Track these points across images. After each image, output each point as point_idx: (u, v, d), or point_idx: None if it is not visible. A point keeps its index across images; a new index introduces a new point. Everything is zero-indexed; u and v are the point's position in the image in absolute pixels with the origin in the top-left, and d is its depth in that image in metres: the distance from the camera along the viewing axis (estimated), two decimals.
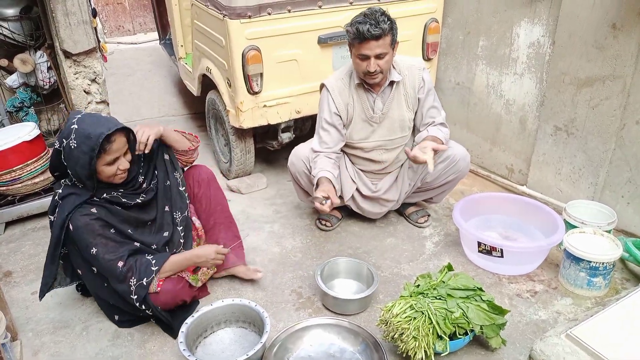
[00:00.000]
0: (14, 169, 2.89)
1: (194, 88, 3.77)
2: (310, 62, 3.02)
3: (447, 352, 1.88)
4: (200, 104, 3.81)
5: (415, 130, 2.66)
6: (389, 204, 2.76)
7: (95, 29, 2.87)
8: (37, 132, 3.00)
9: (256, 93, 2.92)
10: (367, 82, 2.45)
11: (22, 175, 2.93)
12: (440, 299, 1.97)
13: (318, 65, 3.06)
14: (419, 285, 2.07)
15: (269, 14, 2.81)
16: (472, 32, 3.34)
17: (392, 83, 2.50)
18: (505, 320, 1.96)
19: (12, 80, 3.52)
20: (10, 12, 3.24)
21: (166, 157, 2.26)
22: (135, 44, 6.62)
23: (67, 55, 2.77)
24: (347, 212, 2.88)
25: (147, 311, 2.07)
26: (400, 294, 2.09)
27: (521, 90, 3.08)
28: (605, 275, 2.25)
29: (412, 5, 3.23)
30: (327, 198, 2.26)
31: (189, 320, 2.06)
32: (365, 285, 2.35)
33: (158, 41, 5.45)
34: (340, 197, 2.66)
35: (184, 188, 2.29)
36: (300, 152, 2.64)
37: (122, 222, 2.07)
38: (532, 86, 3.00)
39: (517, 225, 2.72)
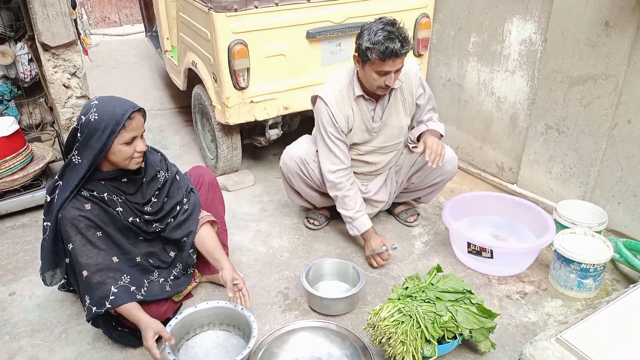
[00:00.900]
0: None
1: (180, 82, 3.69)
2: (298, 57, 2.95)
3: (435, 357, 1.84)
4: (187, 97, 3.73)
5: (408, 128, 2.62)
6: (379, 205, 2.71)
7: (75, 20, 2.77)
8: (15, 127, 2.90)
9: (243, 88, 2.85)
10: (376, 94, 2.37)
11: (1, 171, 2.84)
12: (428, 302, 1.93)
13: (306, 61, 3.00)
14: (407, 287, 2.02)
15: (256, 7, 2.73)
16: (463, 28, 3.30)
17: (390, 90, 2.42)
18: (495, 324, 1.93)
19: None
20: None
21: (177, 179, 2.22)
22: (122, 35, 6.49)
23: (46, 48, 2.68)
24: (335, 212, 2.83)
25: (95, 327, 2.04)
26: (388, 295, 2.05)
27: (512, 87, 3.05)
28: (596, 277, 2.22)
29: (403, 0, 3.17)
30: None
31: (173, 322, 2.00)
32: (352, 286, 2.30)
33: (144, 33, 5.34)
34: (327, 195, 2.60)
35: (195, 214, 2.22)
36: (293, 153, 2.56)
37: (112, 226, 1.98)
38: (524, 84, 2.96)
39: (508, 225, 2.69)
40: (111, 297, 1.90)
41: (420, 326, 1.84)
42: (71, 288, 2.15)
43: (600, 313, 1.98)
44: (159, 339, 1.88)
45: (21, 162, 2.93)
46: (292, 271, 2.50)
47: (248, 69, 2.82)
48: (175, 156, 3.75)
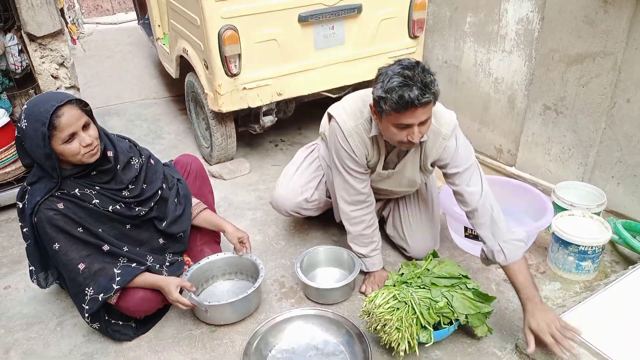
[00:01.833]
0: None
1: (172, 70, 3.64)
2: (290, 41, 2.90)
3: (431, 343, 1.82)
4: (181, 86, 3.68)
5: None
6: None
7: (62, 10, 2.72)
8: (6, 119, 2.88)
9: (234, 75, 2.80)
10: (399, 147, 1.98)
11: None
12: (424, 288, 1.91)
13: (299, 45, 2.94)
14: (402, 274, 2.00)
15: None
16: (459, 8, 3.23)
17: None
18: (492, 309, 1.91)
19: None
20: None
21: (165, 170, 2.18)
22: (115, 24, 6.42)
23: (32, 38, 2.63)
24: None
25: (92, 325, 2.00)
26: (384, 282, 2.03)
27: (510, 68, 2.99)
28: (594, 259, 2.20)
29: None
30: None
31: (183, 277, 2.13)
32: (347, 272, 2.29)
33: (137, 21, 5.27)
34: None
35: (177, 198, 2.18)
36: (284, 203, 2.38)
37: (93, 220, 1.91)
38: (521, 64, 2.91)
39: (505, 208, 2.63)
40: (117, 278, 1.88)
41: (415, 312, 1.82)
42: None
43: (598, 296, 1.97)
44: (181, 291, 1.95)
45: (13, 155, 2.90)
46: (288, 259, 2.48)
47: (239, 55, 2.77)
48: (170, 145, 3.72)
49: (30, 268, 2.04)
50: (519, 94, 2.98)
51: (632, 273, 2.06)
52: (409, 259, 2.40)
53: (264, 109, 3.07)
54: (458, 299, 1.87)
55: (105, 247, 1.92)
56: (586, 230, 2.22)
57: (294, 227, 2.72)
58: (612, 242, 2.41)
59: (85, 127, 1.80)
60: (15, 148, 2.87)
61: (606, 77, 2.42)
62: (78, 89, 2.95)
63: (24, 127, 1.74)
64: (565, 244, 2.19)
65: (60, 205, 1.84)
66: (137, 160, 2.05)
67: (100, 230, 1.94)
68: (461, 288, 1.92)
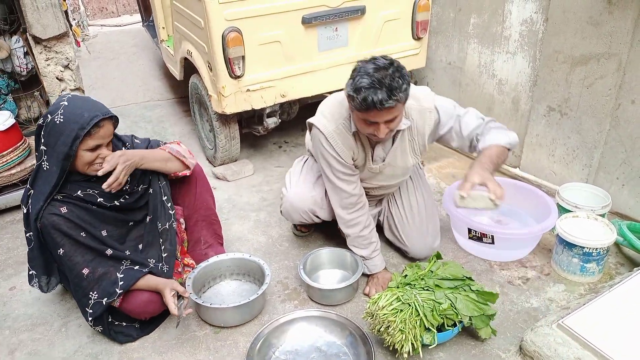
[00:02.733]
0: None
1: (177, 72, 3.65)
2: (294, 43, 2.90)
3: (435, 345, 1.82)
4: (185, 88, 3.69)
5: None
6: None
7: (66, 12, 2.73)
8: (12, 121, 2.89)
9: (238, 77, 2.81)
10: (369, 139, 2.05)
11: None
12: (428, 289, 1.91)
13: (303, 47, 2.95)
14: (406, 275, 2.00)
15: None
16: (463, 9, 3.22)
17: (397, 131, 2.04)
18: (495, 311, 1.90)
19: None
20: None
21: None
22: (120, 26, 6.45)
23: (37, 40, 2.64)
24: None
25: (95, 328, 2.02)
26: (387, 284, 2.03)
27: (514, 69, 2.98)
28: (599, 261, 2.19)
29: None
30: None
31: (191, 274, 2.17)
32: (350, 273, 2.29)
33: (142, 23, 5.30)
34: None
35: (166, 197, 2.14)
36: (298, 205, 2.30)
37: (97, 222, 1.93)
38: (525, 65, 2.90)
39: (509, 209, 2.65)
40: (120, 282, 1.90)
41: (419, 314, 1.82)
42: None
43: (602, 298, 1.95)
44: (179, 297, 1.95)
45: (18, 157, 2.92)
46: (291, 260, 2.48)
47: (243, 57, 2.78)
48: None
49: (31, 272, 2.04)
50: (523, 95, 2.97)
51: (637, 275, 2.05)
52: (412, 260, 2.40)
53: (267, 110, 3.08)
54: (462, 300, 1.86)
55: (109, 252, 1.93)
56: (591, 232, 2.21)
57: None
58: (617, 244, 2.40)
59: (108, 144, 1.88)
60: (20, 150, 2.91)
61: (611, 79, 2.41)
62: (83, 91, 2.97)
63: (57, 122, 1.77)
64: (570, 245, 2.18)
65: (64, 209, 1.86)
66: None
67: (104, 232, 1.95)
68: (465, 290, 1.91)
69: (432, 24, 3.47)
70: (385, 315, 1.81)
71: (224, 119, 3.09)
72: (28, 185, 1.89)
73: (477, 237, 2.33)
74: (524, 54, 2.89)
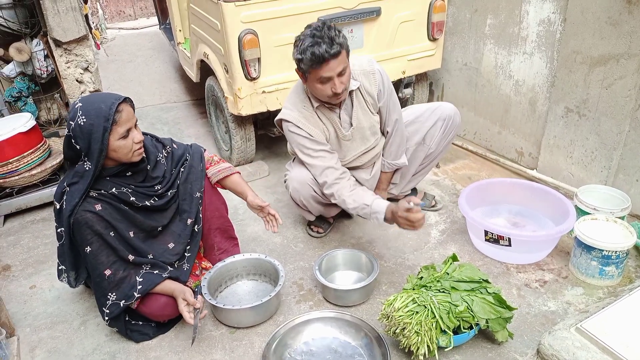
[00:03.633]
0: (11, 161, 2.85)
1: (193, 74, 3.69)
2: None
3: (451, 347, 1.81)
4: (201, 90, 3.73)
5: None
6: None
7: (86, 15, 2.78)
8: (32, 123, 2.94)
9: (254, 79, 2.83)
10: (331, 103, 2.21)
11: (19, 167, 2.89)
12: (443, 292, 1.90)
13: None
14: (422, 277, 1.99)
15: None
16: (479, 10, 3.20)
17: (350, 92, 2.26)
18: (512, 314, 1.88)
19: (9, 69, 3.46)
20: None
21: (194, 165, 2.21)
22: (137, 29, 6.54)
23: (58, 43, 2.69)
24: (338, 215, 2.78)
25: (112, 327, 2.06)
26: (403, 285, 2.02)
27: (531, 70, 2.96)
28: (618, 264, 2.15)
29: None
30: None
31: (207, 275, 2.20)
32: (366, 275, 2.29)
33: (158, 26, 5.36)
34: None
35: (199, 195, 2.19)
36: (302, 177, 2.35)
37: (126, 222, 1.97)
38: (543, 66, 2.87)
39: (526, 211, 2.63)
40: (139, 287, 1.95)
41: (435, 316, 1.81)
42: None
43: (622, 301, 1.93)
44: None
45: (39, 158, 2.97)
46: (306, 262, 2.49)
47: (259, 59, 2.79)
48: None
49: (60, 267, 2.08)
50: (541, 96, 2.94)
51: None
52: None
53: None
54: (478, 303, 1.85)
55: (131, 257, 1.97)
56: (610, 235, 2.18)
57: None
58: (636, 247, 2.36)
59: (135, 125, 1.91)
60: (40, 151, 2.97)
61: (631, 79, 2.37)
62: None
63: (81, 123, 1.80)
64: (588, 248, 2.16)
65: (98, 207, 1.90)
66: (161, 156, 2.11)
67: (131, 232, 1.99)
68: (481, 292, 1.90)
69: (448, 24, 3.46)
70: (401, 317, 1.81)
71: (240, 120, 3.11)
72: (65, 184, 1.92)
73: (494, 239, 2.31)
74: (542, 54, 2.86)
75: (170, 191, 2.11)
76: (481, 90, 3.37)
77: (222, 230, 2.35)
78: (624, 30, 2.34)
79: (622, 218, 2.31)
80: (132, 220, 2.00)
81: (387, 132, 2.45)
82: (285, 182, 2.48)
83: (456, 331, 1.84)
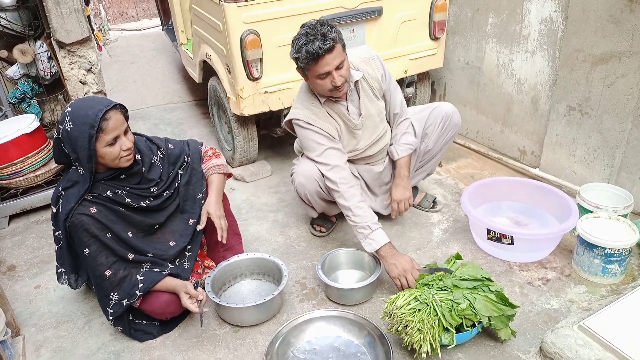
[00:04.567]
0: (15, 162, 2.87)
1: (196, 74, 3.70)
2: None
3: (453, 345, 1.82)
4: (204, 90, 3.74)
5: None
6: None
7: (89, 17, 2.80)
8: (36, 124, 2.96)
9: (256, 79, 2.84)
10: (334, 96, 2.25)
11: (24, 168, 2.91)
12: (446, 290, 1.90)
13: None
14: (424, 275, 2.00)
15: None
16: (481, 9, 3.21)
17: (355, 83, 2.32)
18: (515, 312, 1.89)
19: (13, 71, 3.49)
20: (8, 1, 3.18)
21: (195, 167, 2.22)
22: (140, 30, 6.56)
23: (61, 45, 2.71)
24: (341, 215, 2.78)
25: (116, 327, 2.09)
26: None
27: (533, 68, 2.96)
28: (621, 262, 2.15)
29: None
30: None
31: (211, 273, 2.22)
32: (368, 274, 2.30)
33: (161, 27, 5.38)
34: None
35: (203, 202, 2.20)
36: (308, 172, 2.34)
37: (123, 223, 1.98)
38: (544, 64, 2.87)
39: (529, 210, 2.63)
40: (140, 285, 1.96)
41: (437, 314, 1.81)
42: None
43: (625, 299, 1.93)
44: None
45: (43, 159, 2.99)
46: (309, 261, 2.50)
47: (261, 59, 2.80)
48: None
49: (60, 270, 2.10)
50: (543, 95, 2.94)
51: None
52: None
53: (285, 112, 3.10)
54: (481, 301, 1.85)
55: (130, 256, 1.98)
56: (612, 233, 2.18)
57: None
58: (639, 245, 2.36)
59: (125, 132, 1.89)
60: (44, 152, 2.98)
61: (633, 77, 2.37)
62: (105, 94, 3.03)
63: (68, 129, 1.81)
64: (591, 246, 2.16)
65: (93, 210, 1.91)
66: (156, 158, 2.11)
67: (129, 233, 2.00)
68: (484, 290, 1.90)
69: (450, 24, 3.46)
70: (403, 315, 1.81)
71: (242, 120, 3.13)
72: (60, 188, 1.93)
73: (497, 237, 2.31)
74: (543, 53, 2.86)
75: (167, 192, 2.11)
76: (483, 89, 3.37)
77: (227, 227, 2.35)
78: (625, 28, 2.34)
79: (624, 216, 2.31)
80: (129, 221, 2.00)
81: (395, 114, 2.49)
82: (291, 176, 2.50)
83: (459, 329, 1.85)
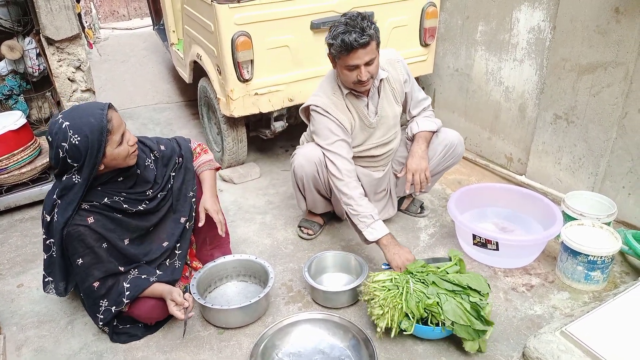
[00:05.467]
0: (0, 158, 2.84)
1: (186, 75, 3.69)
2: (302, 48, 2.93)
3: (410, 332, 1.89)
4: (194, 91, 3.74)
5: (405, 114, 2.58)
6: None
7: (79, 14, 2.78)
8: (23, 121, 2.93)
9: (247, 80, 2.84)
10: (357, 90, 2.29)
11: (9, 165, 2.88)
12: (424, 282, 1.97)
13: (311, 52, 2.97)
14: (424, 264, 2.08)
15: None
16: (471, 17, 3.24)
17: (380, 82, 2.36)
18: (488, 329, 1.87)
19: (1, 67, 3.45)
20: None
21: (189, 166, 2.23)
22: (130, 29, 6.52)
23: (50, 42, 2.69)
24: (329, 217, 2.80)
25: (105, 331, 2.09)
26: None
27: (521, 77, 2.99)
28: (604, 269, 2.18)
29: None
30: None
31: (197, 275, 2.20)
32: (355, 277, 2.30)
33: (152, 27, 5.36)
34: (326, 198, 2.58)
35: (194, 200, 2.21)
36: (309, 154, 2.36)
37: (120, 230, 1.97)
38: (532, 73, 2.91)
39: (515, 216, 2.66)
40: (127, 292, 1.96)
41: (402, 299, 1.88)
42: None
43: (607, 306, 1.95)
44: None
45: (29, 156, 2.96)
46: (296, 263, 2.49)
47: (252, 61, 2.80)
48: None
49: (47, 279, 2.06)
50: (530, 103, 2.98)
51: None
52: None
53: (275, 114, 3.10)
54: (451, 304, 1.88)
55: (122, 268, 1.99)
56: (596, 240, 2.21)
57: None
58: (622, 253, 2.40)
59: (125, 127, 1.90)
60: (31, 149, 2.95)
61: (618, 87, 2.41)
62: (93, 92, 3.01)
63: (76, 143, 1.76)
64: (575, 253, 2.18)
65: (91, 219, 1.89)
66: (150, 161, 2.10)
67: (126, 240, 2.00)
68: (462, 297, 1.91)
69: (440, 31, 3.49)
70: (374, 288, 1.94)
71: (232, 122, 3.12)
72: (55, 197, 1.89)
73: (482, 243, 2.33)
74: (531, 61, 2.90)
75: (161, 194, 2.11)
76: (472, 96, 3.40)
77: (214, 225, 2.34)
78: (611, 39, 2.38)
79: (608, 224, 2.34)
80: (125, 227, 2.00)
81: (414, 116, 2.53)
82: (292, 158, 2.50)
83: (425, 323, 1.92)
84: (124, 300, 1.96)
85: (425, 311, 1.88)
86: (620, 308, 1.93)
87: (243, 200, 3.08)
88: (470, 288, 1.94)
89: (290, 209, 2.96)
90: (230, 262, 2.33)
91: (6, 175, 2.89)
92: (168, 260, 2.15)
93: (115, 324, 2.07)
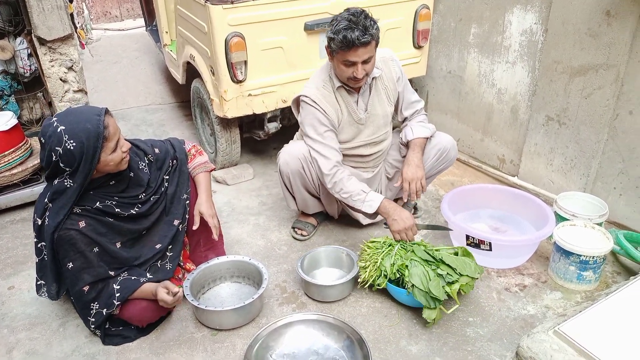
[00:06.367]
0: None
1: (179, 76, 3.68)
2: (296, 49, 2.93)
3: (382, 287, 2.13)
4: (187, 92, 3.72)
5: (397, 115, 2.58)
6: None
7: (72, 15, 2.76)
8: (14, 121, 2.91)
9: (240, 82, 2.83)
10: (350, 86, 2.31)
11: (0, 166, 2.84)
12: (408, 251, 2.16)
13: (305, 53, 2.97)
14: (413, 243, 2.24)
15: None
16: (463, 19, 3.26)
17: (372, 80, 2.38)
18: (442, 300, 1.97)
19: None
20: None
21: (183, 169, 2.21)
22: (123, 30, 6.49)
23: (42, 42, 2.67)
24: (323, 218, 2.81)
25: (97, 334, 2.08)
26: None
27: (513, 79, 3.01)
28: (596, 269, 2.20)
29: None
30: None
31: (190, 276, 2.20)
32: (347, 272, 2.33)
33: (145, 27, 5.33)
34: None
35: (188, 202, 2.20)
36: (294, 151, 2.41)
37: (112, 234, 1.96)
38: (524, 75, 2.93)
39: (507, 217, 2.67)
40: (117, 294, 1.95)
41: (381, 257, 2.14)
42: None
43: (599, 305, 1.96)
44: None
45: (20, 157, 2.93)
46: (290, 264, 2.49)
47: (245, 62, 2.80)
48: None
49: (39, 282, 2.05)
50: (522, 105, 3.00)
51: (633, 283, 2.06)
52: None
53: (268, 115, 3.10)
54: (418, 269, 2.04)
55: (112, 273, 1.97)
56: (588, 241, 2.22)
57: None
58: (613, 253, 2.42)
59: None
60: (22, 150, 2.93)
61: (609, 89, 2.44)
62: (86, 93, 2.99)
63: (71, 148, 1.74)
64: (567, 253, 2.20)
65: (82, 224, 1.87)
66: (144, 164, 2.09)
67: (118, 244, 1.99)
68: (432, 268, 2.06)
69: (433, 33, 3.51)
70: (367, 246, 2.21)
71: (225, 123, 3.11)
72: (46, 200, 1.87)
73: (475, 243, 2.34)
74: (524, 64, 2.92)
75: (153, 197, 2.09)
76: (464, 98, 3.42)
77: (208, 226, 2.34)
78: (603, 41, 2.40)
79: (599, 224, 2.36)
80: (117, 230, 1.98)
81: (406, 117, 2.54)
82: (277, 157, 2.52)
83: (399, 284, 2.10)
84: (115, 302, 1.94)
85: (398, 273, 2.07)
86: (612, 307, 1.95)
87: (236, 202, 3.07)
88: (445, 263, 2.04)
89: (284, 210, 2.95)
90: (224, 264, 2.32)
91: None
92: (159, 262, 2.13)
93: (107, 326, 2.06)
